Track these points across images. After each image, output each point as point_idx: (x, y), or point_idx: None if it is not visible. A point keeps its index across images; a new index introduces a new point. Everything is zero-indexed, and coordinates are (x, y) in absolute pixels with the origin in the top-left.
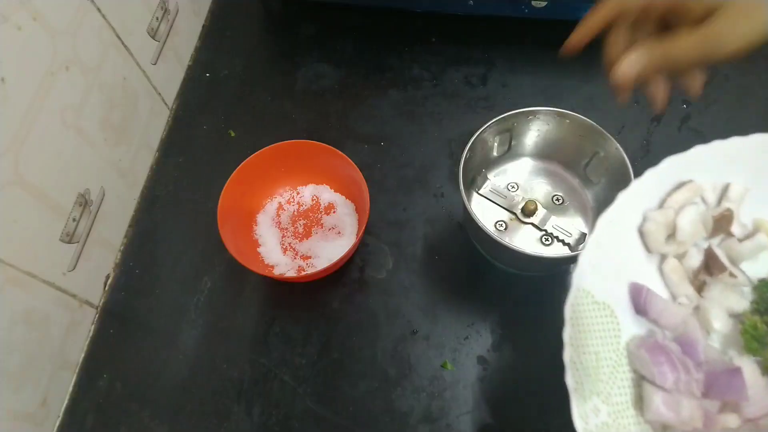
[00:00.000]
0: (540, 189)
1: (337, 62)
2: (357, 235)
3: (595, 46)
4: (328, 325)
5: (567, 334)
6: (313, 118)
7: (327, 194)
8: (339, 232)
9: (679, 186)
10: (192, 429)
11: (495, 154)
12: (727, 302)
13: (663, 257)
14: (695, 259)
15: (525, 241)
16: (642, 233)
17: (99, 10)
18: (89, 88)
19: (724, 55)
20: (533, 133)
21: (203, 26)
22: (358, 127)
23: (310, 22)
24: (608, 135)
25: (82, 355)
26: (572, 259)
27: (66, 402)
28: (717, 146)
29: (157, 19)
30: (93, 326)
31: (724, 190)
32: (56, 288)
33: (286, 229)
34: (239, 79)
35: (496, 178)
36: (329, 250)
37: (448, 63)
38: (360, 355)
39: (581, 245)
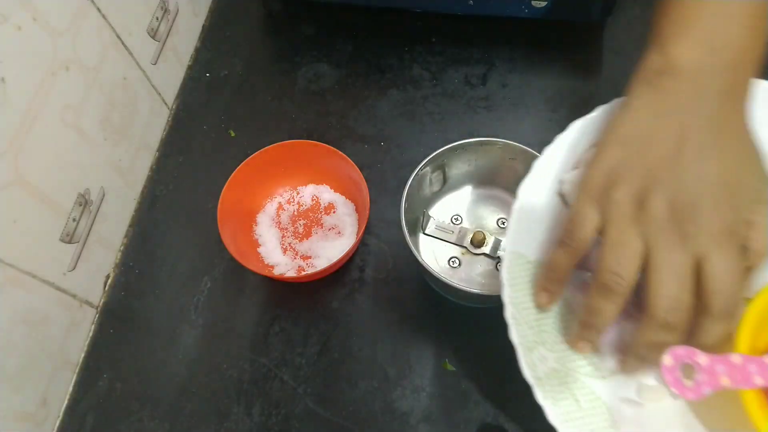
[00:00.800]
0: (484, 215)
1: (337, 62)
2: (357, 235)
3: (594, 45)
4: (328, 325)
5: (506, 294)
6: (313, 118)
7: (327, 194)
8: (339, 232)
9: (591, 148)
10: (192, 429)
11: (434, 190)
12: None
13: None
14: None
15: (482, 272)
16: (561, 195)
17: (99, 10)
18: (89, 88)
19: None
20: (465, 165)
21: (203, 26)
22: (358, 127)
23: (310, 22)
24: (537, 153)
25: (82, 354)
26: None
27: (66, 402)
28: (618, 103)
29: (157, 19)
30: (93, 326)
31: None
32: (56, 288)
33: (286, 229)
34: (239, 79)
35: (439, 214)
36: (329, 250)
37: (448, 63)
38: (360, 355)
39: None
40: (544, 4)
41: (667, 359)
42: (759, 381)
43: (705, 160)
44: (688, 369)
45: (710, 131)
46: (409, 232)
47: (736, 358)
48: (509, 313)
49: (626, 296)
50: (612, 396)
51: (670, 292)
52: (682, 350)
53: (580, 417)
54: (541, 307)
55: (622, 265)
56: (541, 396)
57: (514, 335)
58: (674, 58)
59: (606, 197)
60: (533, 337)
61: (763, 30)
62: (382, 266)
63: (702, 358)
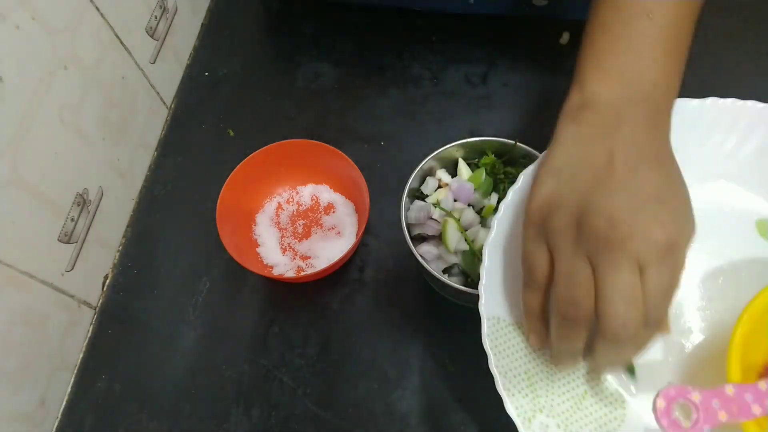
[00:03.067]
0: None
1: (336, 62)
2: (357, 235)
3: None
4: (328, 326)
5: (493, 364)
6: (312, 117)
7: (327, 194)
8: (339, 232)
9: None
10: (191, 430)
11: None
12: None
13: None
14: None
15: None
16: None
17: (98, 9)
18: (88, 88)
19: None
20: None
21: (202, 25)
22: (358, 126)
23: (310, 22)
24: (539, 153)
25: (81, 355)
26: None
27: (64, 403)
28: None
29: (155, 18)
30: (91, 327)
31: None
32: (54, 288)
33: (286, 229)
34: (238, 78)
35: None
36: (329, 250)
37: (449, 62)
38: (360, 356)
39: None
40: (544, 3)
41: (659, 402)
42: (757, 410)
43: (636, 179)
44: (686, 409)
45: (635, 153)
46: (409, 232)
47: (729, 389)
48: (501, 385)
49: (588, 320)
50: None
51: (618, 311)
52: (673, 390)
53: None
54: (536, 347)
55: (575, 293)
56: None
57: (511, 408)
58: (592, 94)
59: (547, 228)
60: (530, 405)
61: (677, 64)
62: (382, 266)
63: (695, 395)
